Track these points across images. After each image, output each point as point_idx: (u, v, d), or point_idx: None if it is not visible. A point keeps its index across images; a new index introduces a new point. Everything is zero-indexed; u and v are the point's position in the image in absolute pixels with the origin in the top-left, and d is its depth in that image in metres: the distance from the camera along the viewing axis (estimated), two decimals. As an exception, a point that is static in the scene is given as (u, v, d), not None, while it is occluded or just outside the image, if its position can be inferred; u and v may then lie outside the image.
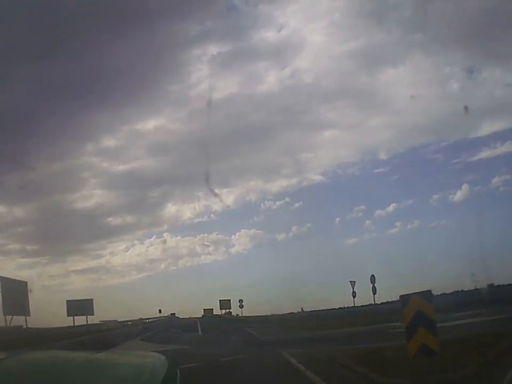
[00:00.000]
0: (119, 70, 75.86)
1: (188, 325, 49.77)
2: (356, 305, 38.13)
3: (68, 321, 50.10)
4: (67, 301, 52.35)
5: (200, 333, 35.71)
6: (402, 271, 50.80)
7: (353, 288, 35.37)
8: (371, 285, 32.58)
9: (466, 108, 54.53)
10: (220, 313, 77.66)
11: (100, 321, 53.49)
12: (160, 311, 77.97)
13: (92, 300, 52.92)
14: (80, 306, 50.95)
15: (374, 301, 35.01)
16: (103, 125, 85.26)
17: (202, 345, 23.40)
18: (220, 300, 75.63)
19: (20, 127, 68.41)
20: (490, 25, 60.66)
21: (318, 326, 29.35)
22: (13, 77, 64.68)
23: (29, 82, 69.78)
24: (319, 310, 49.42)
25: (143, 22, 72.25)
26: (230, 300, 73.06)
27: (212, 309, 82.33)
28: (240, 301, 62.08)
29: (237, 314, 67.18)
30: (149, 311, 79.05)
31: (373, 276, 32.79)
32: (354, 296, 35.67)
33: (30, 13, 56.32)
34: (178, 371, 2.83)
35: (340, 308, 50.22)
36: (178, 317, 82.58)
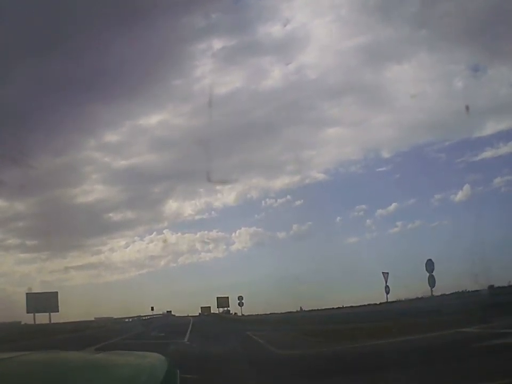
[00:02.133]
0: (122, 64, 75.35)
1: (178, 325, 43.57)
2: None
3: (69, 317, 48.38)
4: (27, 294, 45.89)
5: (186, 339, 25.12)
6: (402, 271, 49.94)
7: (386, 282, 29.63)
8: (427, 274, 25.35)
9: (467, 108, 53.87)
10: (217, 311, 75.53)
11: (95, 318, 53.20)
12: (152, 308, 75.37)
13: (56, 293, 46.67)
14: (41, 301, 43.53)
15: (432, 294, 27.30)
16: (105, 119, 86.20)
17: (180, 368, 7.65)
18: (217, 297, 72.75)
19: (21, 122, 67.92)
20: (496, 23, 60.67)
21: (350, 331, 20.26)
22: (14, 71, 64.46)
23: (31, 76, 69.63)
24: (318, 309, 48.86)
25: (147, 15, 71.31)
26: (228, 298, 70.68)
27: (210, 307, 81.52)
28: (240, 298, 57.04)
29: (235, 313, 64.94)
30: (148, 309, 78.52)
31: (430, 260, 25.36)
32: (388, 292, 30.05)
33: (31, 5, 55.86)
34: (178, 371, 2.80)
35: (339, 307, 49.56)
36: (174, 315, 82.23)
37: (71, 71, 71.27)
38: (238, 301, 56.85)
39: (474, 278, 26.05)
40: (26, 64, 66.30)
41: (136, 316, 67.51)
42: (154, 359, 2.84)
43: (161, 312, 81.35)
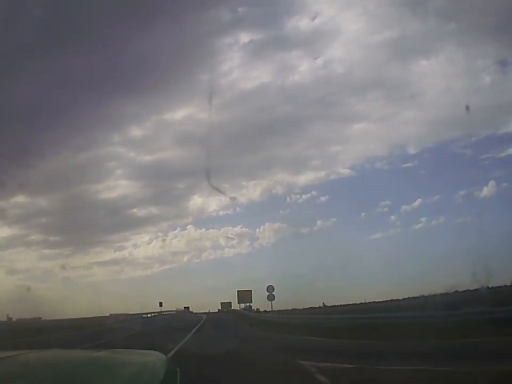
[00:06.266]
0: (147, 58, 75.77)
1: (176, 329, 31.64)
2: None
3: (88, 313, 48.71)
4: None
5: None
6: (425, 268, 48.85)
7: None
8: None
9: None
10: (238, 307, 67.45)
11: (110, 314, 52.88)
12: (160, 304, 70.74)
13: None
14: None
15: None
16: (130, 114, 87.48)
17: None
18: (238, 291, 62.99)
19: (45, 117, 68.58)
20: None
21: None
22: (38, 67, 64.98)
23: (55, 72, 70.73)
24: (340, 305, 47.97)
25: (173, 9, 70.92)
26: (251, 291, 61.46)
27: (230, 303, 78.17)
28: (270, 288, 41.29)
29: (257, 309, 58.87)
30: (168, 304, 78.36)
31: None
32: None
33: (55, 1, 55.48)
34: (178, 370, 2.76)
35: (361, 302, 48.51)
36: (191, 312, 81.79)
37: (95, 66, 72.23)
38: (268, 293, 41.39)
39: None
40: (49, 60, 67.70)
41: (157, 312, 67.65)
42: (154, 358, 2.80)
43: (174, 309, 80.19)
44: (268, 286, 41.18)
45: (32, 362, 2.44)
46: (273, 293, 40.99)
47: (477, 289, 24.74)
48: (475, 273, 21.04)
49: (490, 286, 25.17)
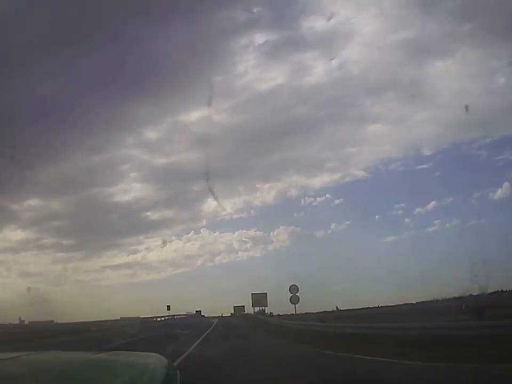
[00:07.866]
0: (161, 60, 75.71)
1: (180, 336, 28.64)
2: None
3: (99, 316, 48.72)
4: None
5: None
6: (438, 271, 48.17)
7: None
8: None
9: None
10: (252, 311, 64.31)
11: (120, 317, 52.86)
12: (168, 307, 67.45)
13: None
14: None
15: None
16: (144, 116, 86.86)
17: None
18: (252, 294, 59.62)
19: (58, 119, 68.80)
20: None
21: None
22: (52, 69, 65.32)
23: (67, 74, 70.73)
24: (354, 309, 47.59)
25: (187, 10, 70.83)
26: (266, 294, 58.69)
27: (243, 306, 77.38)
28: (293, 289, 33.59)
29: (271, 313, 56.48)
30: (181, 308, 78.34)
31: None
32: None
33: (68, 2, 55.52)
34: (178, 372, 2.76)
35: (375, 307, 48.01)
36: (203, 316, 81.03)
37: (109, 68, 72.52)
38: (291, 295, 33.70)
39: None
40: (62, 62, 68.04)
41: (169, 316, 67.73)
42: (155, 360, 2.80)
43: (185, 313, 79.42)
44: (291, 286, 33.84)
45: (33, 363, 2.44)
46: (297, 294, 33.80)
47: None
48: (478, 276, 20.71)
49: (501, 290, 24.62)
